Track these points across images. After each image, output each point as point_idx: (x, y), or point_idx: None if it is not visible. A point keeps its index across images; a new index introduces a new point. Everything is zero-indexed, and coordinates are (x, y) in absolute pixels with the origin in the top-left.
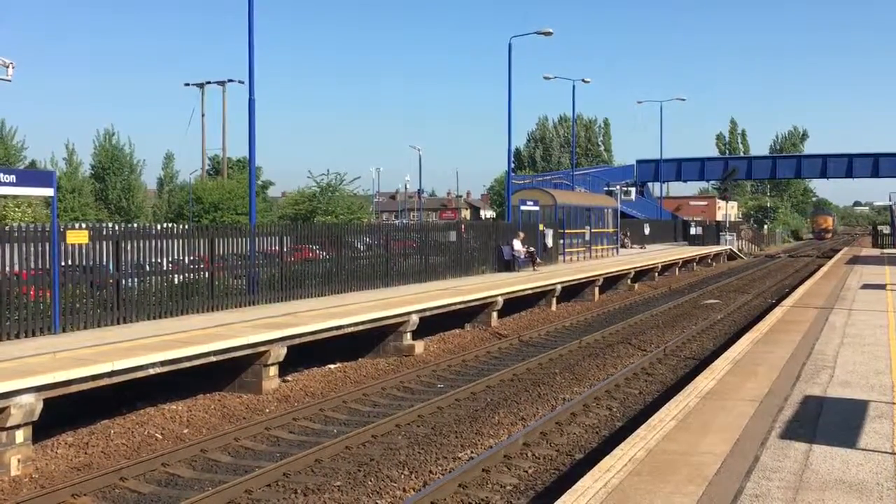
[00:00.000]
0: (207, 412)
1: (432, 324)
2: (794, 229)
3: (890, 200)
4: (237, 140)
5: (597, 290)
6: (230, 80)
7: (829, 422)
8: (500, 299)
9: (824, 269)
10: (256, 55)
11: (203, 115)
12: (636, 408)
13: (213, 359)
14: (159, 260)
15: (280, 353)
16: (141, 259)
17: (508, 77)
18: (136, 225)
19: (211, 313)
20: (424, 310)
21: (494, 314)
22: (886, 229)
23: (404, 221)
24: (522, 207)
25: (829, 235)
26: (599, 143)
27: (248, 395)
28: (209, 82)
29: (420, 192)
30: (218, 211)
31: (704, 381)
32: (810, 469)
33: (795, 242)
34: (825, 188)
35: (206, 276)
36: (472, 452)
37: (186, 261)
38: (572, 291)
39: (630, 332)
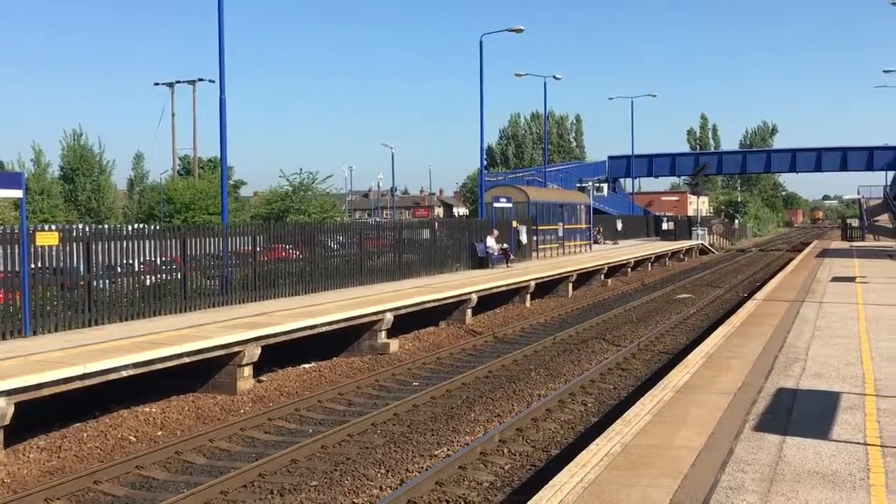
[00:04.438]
0: (181, 413)
1: (407, 322)
2: (787, 221)
3: (858, 194)
4: (208, 140)
5: (570, 286)
6: (200, 80)
7: (802, 413)
8: (475, 296)
9: (795, 262)
10: (227, 54)
11: (173, 115)
12: (611, 403)
13: (187, 360)
14: (131, 261)
15: (254, 353)
16: (112, 260)
17: (480, 74)
18: (106, 226)
19: (184, 314)
20: (399, 308)
21: (469, 311)
22: (855, 222)
23: (378, 220)
24: (496, 204)
25: (820, 221)
26: (571, 140)
27: (223, 396)
28: (179, 81)
29: (393, 190)
30: (189, 211)
31: (679, 375)
32: (784, 461)
33: (786, 229)
34: (794, 182)
35: (179, 276)
36: (448, 450)
37: (158, 262)
38: (546, 287)
39: (604, 327)
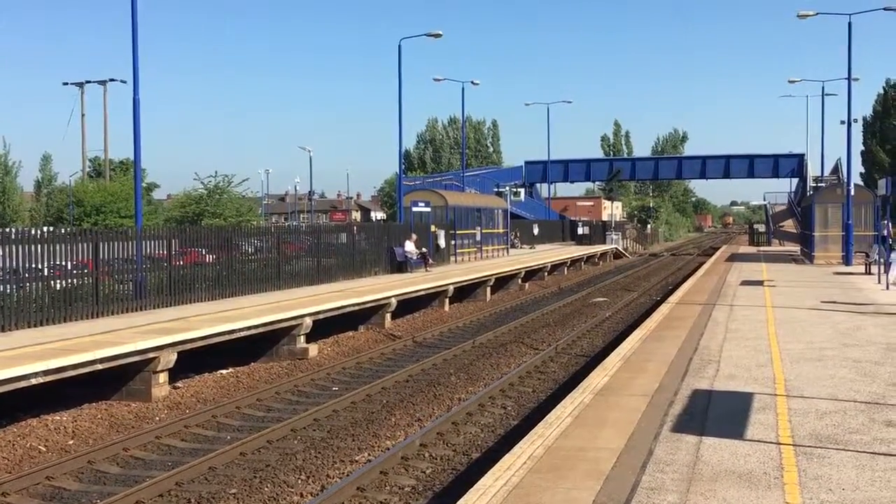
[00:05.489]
0: (94, 422)
1: (326, 326)
2: (697, 226)
3: (765, 200)
4: (120, 141)
5: (489, 290)
6: (112, 80)
7: (717, 414)
8: (394, 301)
9: (705, 266)
10: (141, 53)
11: (83, 116)
12: (530, 406)
13: (100, 366)
14: (39, 265)
15: (170, 359)
16: (19, 264)
17: (399, 79)
18: (12, 229)
19: (96, 319)
20: (318, 312)
21: (388, 316)
22: (762, 228)
23: (295, 223)
24: (414, 209)
25: (730, 226)
26: (489, 145)
27: (137, 403)
28: (89, 81)
29: (311, 193)
30: (100, 214)
31: (598, 378)
32: (701, 461)
33: (696, 233)
34: (704, 188)
35: (91, 281)
36: (369, 455)
37: (69, 266)
38: (465, 292)
39: (522, 331)
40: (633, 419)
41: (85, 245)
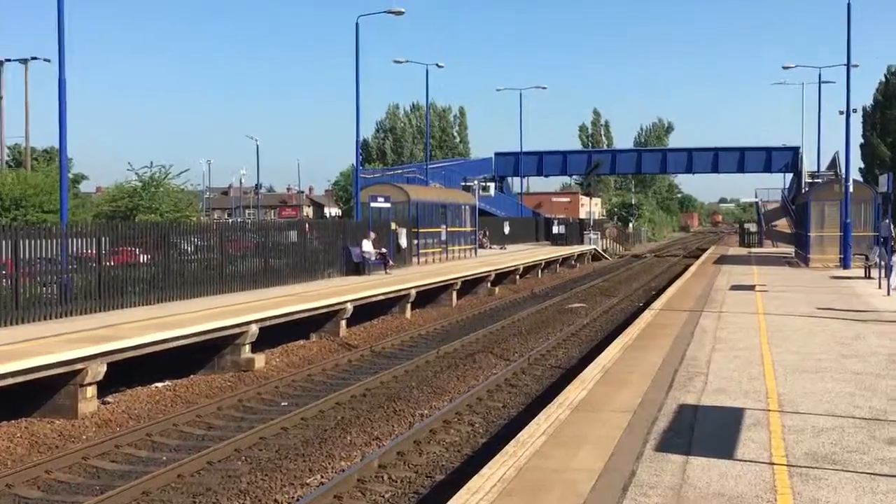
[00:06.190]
0: (12, 441)
1: (274, 334)
2: (683, 225)
3: (756, 197)
4: (43, 127)
5: (455, 294)
6: (34, 58)
7: (705, 432)
8: (350, 306)
9: (692, 269)
10: (67, 28)
11: (1, 98)
12: (500, 423)
13: (20, 379)
14: None
15: (99, 371)
16: None
17: (356, 60)
18: None
19: (15, 326)
20: (265, 319)
21: (343, 323)
22: (753, 227)
23: (240, 220)
24: (373, 204)
25: (720, 224)
26: (455, 134)
27: (62, 421)
28: (9, 60)
29: (258, 187)
30: (20, 209)
31: (575, 392)
32: (688, 483)
33: (682, 233)
34: (690, 184)
35: (9, 283)
36: (322, 477)
37: None
38: (428, 296)
39: (491, 339)
40: (614, 437)
41: (3, 243)
